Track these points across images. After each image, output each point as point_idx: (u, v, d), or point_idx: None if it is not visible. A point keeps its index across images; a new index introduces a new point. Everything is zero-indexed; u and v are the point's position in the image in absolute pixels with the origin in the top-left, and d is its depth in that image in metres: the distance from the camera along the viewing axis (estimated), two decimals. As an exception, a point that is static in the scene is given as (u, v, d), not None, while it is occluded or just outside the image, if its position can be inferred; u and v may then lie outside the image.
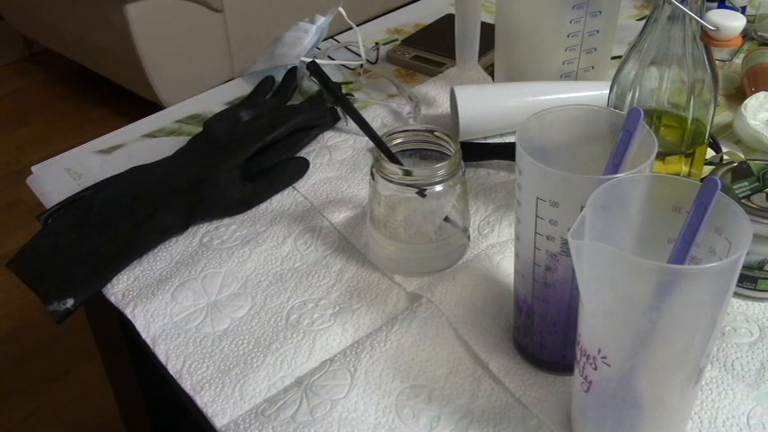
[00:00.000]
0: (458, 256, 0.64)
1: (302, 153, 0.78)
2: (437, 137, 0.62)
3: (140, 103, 2.10)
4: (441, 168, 0.58)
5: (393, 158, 0.60)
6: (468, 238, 0.65)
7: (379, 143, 0.60)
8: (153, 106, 1.98)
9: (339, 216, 0.69)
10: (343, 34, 1.01)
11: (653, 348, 0.41)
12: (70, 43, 2.33)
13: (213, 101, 0.90)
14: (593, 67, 0.81)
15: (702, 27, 0.56)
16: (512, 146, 0.52)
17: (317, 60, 0.69)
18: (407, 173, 0.59)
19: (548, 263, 0.48)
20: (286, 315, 0.60)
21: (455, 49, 0.87)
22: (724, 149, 0.72)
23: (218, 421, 0.53)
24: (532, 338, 0.53)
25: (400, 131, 0.62)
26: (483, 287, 0.60)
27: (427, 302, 0.59)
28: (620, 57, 0.63)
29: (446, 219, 0.62)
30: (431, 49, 0.95)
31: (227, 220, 0.70)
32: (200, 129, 0.80)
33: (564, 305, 0.50)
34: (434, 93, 0.86)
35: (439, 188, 0.59)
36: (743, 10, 0.93)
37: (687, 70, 0.58)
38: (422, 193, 0.59)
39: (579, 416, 0.48)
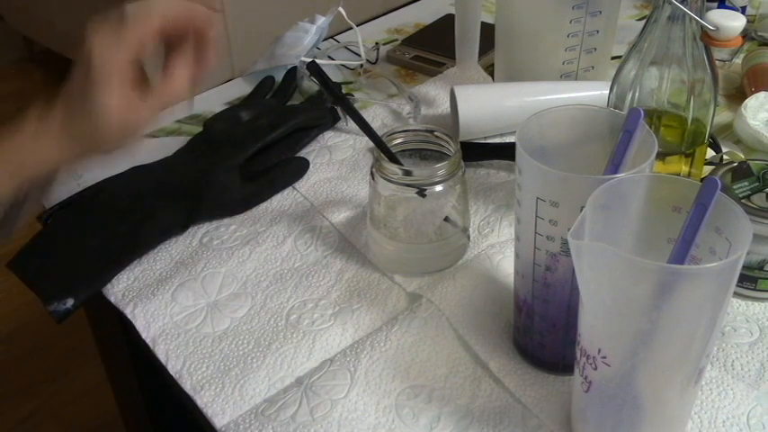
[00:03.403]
0: (458, 256, 0.64)
1: (302, 153, 0.78)
2: (437, 137, 0.62)
3: (140, 103, 2.09)
4: (441, 168, 0.58)
5: (393, 158, 0.60)
6: (468, 238, 0.65)
7: (379, 143, 0.60)
8: (153, 106, 1.97)
9: (339, 216, 0.69)
10: (343, 34, 1.01)
11: (653, 348, 0.41)
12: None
13: (213, 101, 0.89)
14: (593, 67, 0.81)
15: (702, 27, 0.56)
16: (512, 146, 0.52)
17: (317, 60, 0.69)
18: (407, 173, 0.59)
19: (548, 263, 0.48)
20: (286, 315, 0.60)
21: (455, 49, 0.87)
22: (724, 149, 0.72)
23: (218, 421, 0.53)
24: (532, 338, 0.53)
25: (400, 131, 0.62)
26: (483, 287, 0.60)
27: (427, 302, 0.59)
28: (620, 57, 0.63)
29: (446, 219, 0.62)
30: (431, 49, 0.95)
31: (227, 220, 0.70)
32: (201, 129, 0.80)
33: (564, 305, 0.50)
34: (434, 93, 0.86)
35: (439, 188, 0.59)
36: (743, 10, 0.93)
37: (687, 70, 0.58)
38: (422, 193, 0.59)
39: (579, 416, 0.48)
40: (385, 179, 0.59)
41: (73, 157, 0.55)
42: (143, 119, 0.54)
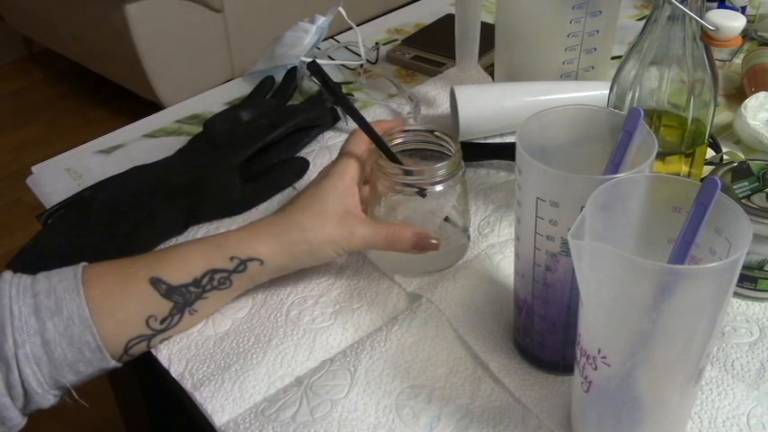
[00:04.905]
0: (458, 256, 0.64)
1: (302, 153, 0.78)
2: (437, 137, 0.62)
3: (140, 103, 2.10)
4: (441, 168, 0.58)
5: (393, 158, 0.60)
6: (469, 238, 0.65)
7: (380, 143, 0.60)
8: (153, 106, 1.98)
9: (339, 216, 0.69)
10: (343, 34, 1.01)
11: (653, 348, 0.41)
12: (70, 43, 2.33)
13: (213, 101, 0.89)
14: (593, 67, 0.81)
15: (702, 27, 0.56)
16: (512, 146, 0.52)
17: (317, 60, 0.69)
18: (407, 172, 0.59)
19: (548, 263, 0.48)
20: (286, 311, 0.60)
21: (455, 49, 0.87)
22: (724, 149, 0.72)
23: (217, 419, 0.53)
24: (532, 338, 0.53)
25: (400, 131, 0.62)
26: (483, 287, 0.60)
27: (427, 302, 0.59)
28: (620, 57, 0.63)
29: (446, 219, 0.62)
30: (431, 49, 0.95)
31: (227, 221, 0.70)
32: (201, 129, 0.80)
33: (564, 305, 0.50)
34: (434, 93, 0.86)
35: (439, 188, 0.59)
36: (743, 10, 0.93)
37: (687, 70, 0.58)
38: (422, 192, 0.59)
39: (579, 416, 0.48)
40: (385, 179, 0.59)
41: (278, 259, 0.57)
42: (355, 244, 0.59)
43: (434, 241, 0.59)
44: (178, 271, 0.55)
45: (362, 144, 0.62)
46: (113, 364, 0.54)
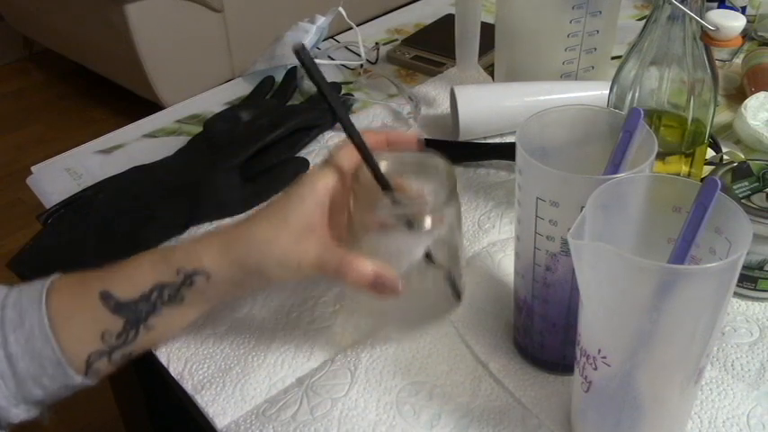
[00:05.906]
0: (438, 312, 0.56)
1: (302, 153, 0.78)
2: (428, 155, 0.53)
3: (140, 103, 2.10)
4: (426, 197, 0.52)
5: (381, 180, 0.52)
6: (459, 297, 0.56)
7: (368, 159, 0.51)
8: (153, 106, 1.98)
9: (339, 216, 0.69)
10: (343, 34, 1.01)
11: (653, 348, 0.41)
12: (70, 43, 2.33)
13: (213, 101, 0.90)
14: (593, 67, 0.81)
15: (702, 27, 0.56)
16: (512, 146, 0.52)
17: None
18: (391, 199, 0.51)
19: (548, 263, 0.48)
20: (286, 312, 0.60)
21: (455, 49, 0.87)
22: (724, 149, 0.72)
23: (219, 422, 0.53)
24: (532, 338, 0.53)
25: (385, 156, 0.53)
26: (484, 285, 0.60)
27: (427, 302, 0.59)
28: (620, 57, 0.63)
29: (427, 256, 0.52)
30: (431, 49, 0.95)
31: (227, 221, 0.70)
32: (201, 129, 0.80)
33: (564, 305, 0.50)
34: (434, 93, 0.86)
35: (427, 222, 0.51)
36: (743, 10, 0.93)
37: (687, 70, 0.58)
38: (406, 222, 0.51)
39: (579, 416, 0.48)
40: (359, 204, 0.52)
41: (225, 274, 0.51)
42: (305, 268, 0.50)
43: (397, 286, 0.50)
44: (127, 285, 0.51)
45: (352, 158, 0.52)
46: (79, 380, 0.51)
